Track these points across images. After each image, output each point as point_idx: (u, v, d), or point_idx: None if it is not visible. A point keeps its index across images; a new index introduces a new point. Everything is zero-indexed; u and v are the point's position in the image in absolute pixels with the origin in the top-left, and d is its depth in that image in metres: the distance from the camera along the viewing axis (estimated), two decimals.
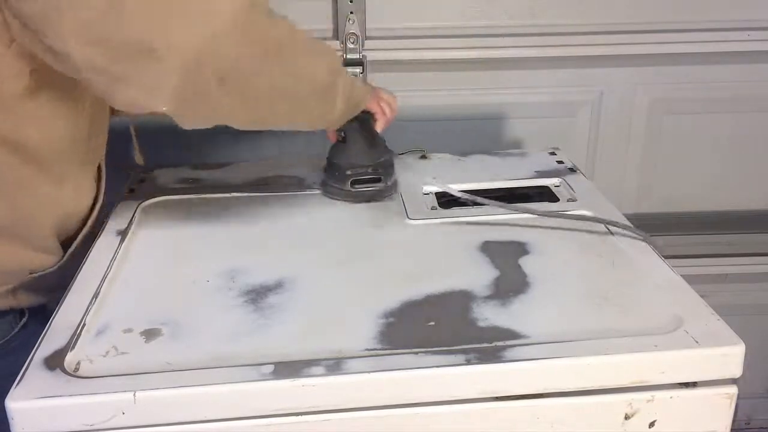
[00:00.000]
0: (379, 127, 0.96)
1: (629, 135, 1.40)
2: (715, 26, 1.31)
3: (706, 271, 1.41)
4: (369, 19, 1.27)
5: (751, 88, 1.37)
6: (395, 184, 0.99)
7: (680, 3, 1.31)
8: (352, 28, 1.26)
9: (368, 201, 0.96)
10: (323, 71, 0.79)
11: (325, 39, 1.28)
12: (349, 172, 0.95)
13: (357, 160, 0.96)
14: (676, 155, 1.42)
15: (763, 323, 1.46)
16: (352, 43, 1.27)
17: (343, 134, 0.95)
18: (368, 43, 1.28)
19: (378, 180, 0.96)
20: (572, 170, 1.07)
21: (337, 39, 1.27)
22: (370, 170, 0.96)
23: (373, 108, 0.94)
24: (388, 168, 0.98)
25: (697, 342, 0.66)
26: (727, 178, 1.44)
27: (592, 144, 1.41)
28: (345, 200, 0.96)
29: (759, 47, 1.32)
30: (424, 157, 1.13)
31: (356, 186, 0.95)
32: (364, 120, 0.94)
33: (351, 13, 1.25)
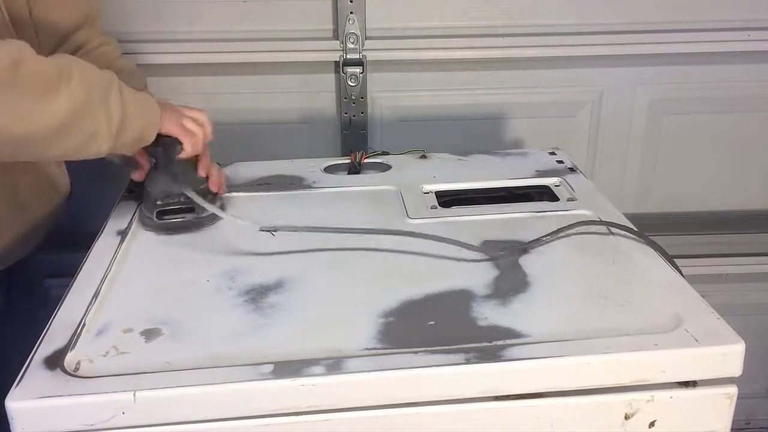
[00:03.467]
0: (186, 151, 0.87)
1: (629, 135, 1.41)
2: (715, 26, 1.31)
3: (706, 271, 1.41)
4: (369, 19, 1.27)
5: (751, 88, 1.38)
6: (213, 215, 0.89)
7: (680, 3, 1.31)
8: (352, 28, 1.26)
9: (178, 232, 0.88)
10: (52, 113, 0.71)
11: (325, 39, 1.29)
12: (159, 202, 0.88)
13: (165, 188, 0.88)
14: (676, 155, 1.42)
15: (763, 323, 1.46)
16: (352, 43, 1.27)
17: (153, 160, 0.89)
18: (368, 43, 1.28)
19: (190, 210, 0.89)
20: (572, 170, 1.07)
21: (337, 39, 1.28)
22: (182, 199, 0.88)
23: (173, 131, 0.86)
24: (202, 196, 0.88)
25: (697, 341, 0.66)
26: (727, 178, 1.44)
27: (592, 144, 1.41)
28: (156, 232, 0.88)
29: (759, 47, 1.32)
30: (424, 157, 1.13)
31: (164, 217, 0.89)
32: (167, 145, 0.86)
33: (351, 13, 1.26)
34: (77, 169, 1.31)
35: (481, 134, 1.38)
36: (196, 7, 1.26)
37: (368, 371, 0.63)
